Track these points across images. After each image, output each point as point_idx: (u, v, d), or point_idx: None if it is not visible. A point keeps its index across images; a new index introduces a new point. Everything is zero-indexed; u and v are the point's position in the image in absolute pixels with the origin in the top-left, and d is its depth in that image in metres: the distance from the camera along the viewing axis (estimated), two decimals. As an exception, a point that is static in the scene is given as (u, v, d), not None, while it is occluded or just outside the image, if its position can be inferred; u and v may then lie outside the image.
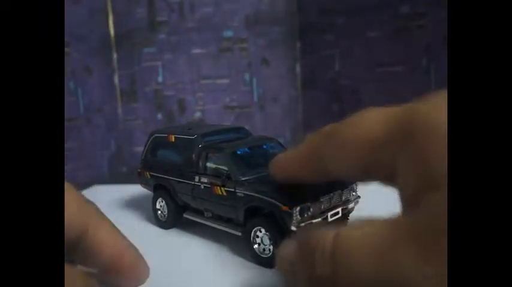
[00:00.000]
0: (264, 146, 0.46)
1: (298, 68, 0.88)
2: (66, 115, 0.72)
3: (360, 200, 0.42)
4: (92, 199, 0.28)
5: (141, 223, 0.51)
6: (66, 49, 0.73)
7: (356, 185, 0.42)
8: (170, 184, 0.48)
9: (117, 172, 0.88)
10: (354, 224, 0.22)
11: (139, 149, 0.89)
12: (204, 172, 0.44)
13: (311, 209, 0.37)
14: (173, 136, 0.49)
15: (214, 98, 0.87)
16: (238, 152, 0.43)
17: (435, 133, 0.19)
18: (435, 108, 0.20)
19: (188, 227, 0.48)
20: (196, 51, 0.86)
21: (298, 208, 0.36)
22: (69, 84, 0.73)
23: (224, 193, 0.41)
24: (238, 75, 0.86)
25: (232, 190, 0.40)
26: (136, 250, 0.29)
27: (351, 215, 0.42)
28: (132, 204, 0.60)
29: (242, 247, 0.40)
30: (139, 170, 0.53)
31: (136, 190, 0.65)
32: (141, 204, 0.58)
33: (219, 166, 0.42)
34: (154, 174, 0.50)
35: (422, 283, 0.16)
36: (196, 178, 0.44)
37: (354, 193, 0.42)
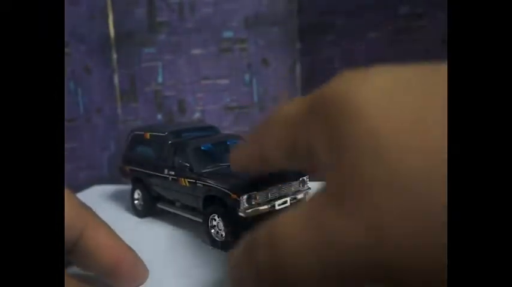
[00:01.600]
0: (228, 142, 0.51)
1: (298, 68, 0.88)
2: (66, 115, 0.72)
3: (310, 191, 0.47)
4: (92, 199, 0.28)
5: (119, 214, 0.57)
6: (66, 49, 0.73)
7: (307, 178, 0.47)
8: (145, 177, 0.54)
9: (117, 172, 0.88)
10: (285, 213, 0.22)
11: (139, 149, 0.90)
12: (172, 165, 0.49)
13: (257, 197, 0.42)
14: (148, 133, 0.54)
15: (214, 98, 0.87)
16: (202, 148, 0.48)
17: (341, 103, 0.19)
18: (345, 82, 0.20)
19: (161, 215, 0.54)
20: (196, 51, 0.86)
21: (245, 196, 0.41)
22: (69, 85, 0.73)
23: (187, 184, 0.47)
24: (238, 75, 0.86)
25: (194, 181, 0.46)
26: (134, 252, 0.29)
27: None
28: (111, 199, 0.64)
29: (203, 232, 0.45)
30: (120, 165, 0.59)
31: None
32: (118, 198, 0.63)
33: (184, 160, 0.47)
34: (133, 168, 0.56)
35: (349, 238, 0.17)
36: (166, 171, 0.50)
37: (305, 185, 0.47)
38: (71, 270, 0.29)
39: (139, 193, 0.55)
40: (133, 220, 0.54)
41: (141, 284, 0.29)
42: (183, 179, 0.47)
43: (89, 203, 0.28)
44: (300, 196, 0.46)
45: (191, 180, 0.46)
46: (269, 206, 0.42)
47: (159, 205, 0.53)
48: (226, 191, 0.42)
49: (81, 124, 0.78)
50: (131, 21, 0.85)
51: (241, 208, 0.41)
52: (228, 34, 0.85)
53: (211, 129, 0.55)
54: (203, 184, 0.45)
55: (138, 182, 0.55)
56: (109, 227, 0.28)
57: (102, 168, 0.84)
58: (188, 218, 0.48)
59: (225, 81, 0.87)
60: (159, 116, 0.88)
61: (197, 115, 0.87)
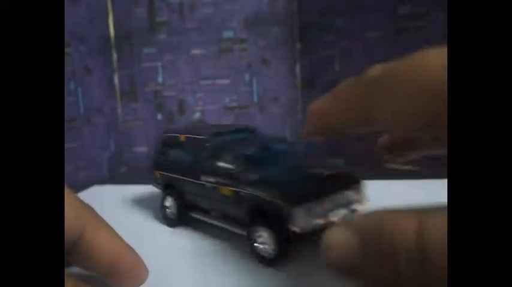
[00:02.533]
0: (275, 147, 0.45)
1: (298, 68, 0.88)
2: (66, 115, 0.72)
3: (367, 201, 0.41)
4: (92, 199, 0.28)
5: (147, 222, 0.52)
6: (66, 49, 0.73)
7: (363, 185, 0.41)
8: (179, 183, 0.48)
9: (117, 172, 0.88)
10: (431, 210, 0.18)
11: (139, 149, 0.90)
12: (212, 172, 0.44)
13: (313, 209, 0.37)
14: (184, 136, 0.49)
15: (214, 98, 0.87)
16: (247, 153, 0.43)
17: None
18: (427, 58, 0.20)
19: (195, 225, 0.48)
20: (196, 51, 0.86)
21: (300, 208, 0.36)
22: (69, 85, 0.73)
23: (229, 193, 0.41)
24: (238, 75, 0.86)
25: (238, 189, 0.40)
26: (134, 252, 0.29)
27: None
28: (136, 203, 0.60)
29: (246, 246, 0.40)
30: (151, 171, 0.54)
31: (137, 190, 0.65)
32: (144, 203, 0.59)
33: (226, 166, 0.42)
34: (164, 173, 0.51)
35: None
36: (203, 177, 0.45)
37: (360, 194, 0.41)
38: (70, 270, 0.29)
39: (171, 200, 0.49)
40: (164, 230, 0.49)
41: (140, 285, 0.29)
42: (224, 188, 0.42)
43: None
44: (358, 207, 0.40)
45: (234, 189, 0.41)
46: (325, 219, 0.37)
47: (193, 214, 0.48)
48: (277, 201, 0.37)
49: (81, 124, 0.78)
50: (131, 21, 0.85)
51: (295, 221, 0.35)
52: (228, 34, 0.85)
53: (251, 131, 0.51)
54: (248, 193, 0.39)
55: (169, 188, 0.50)
56: (109, 227, 0.28)
57: (102, 168, 0.84)
58: (228, 230, 0.43)
59: (225, 81, 0.87)
60: (159, 116, 0.88)
61: (197, 115, 0.87)
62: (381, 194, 0.41)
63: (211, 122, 0.86)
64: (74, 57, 0.76)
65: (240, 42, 0.85)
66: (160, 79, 0.87)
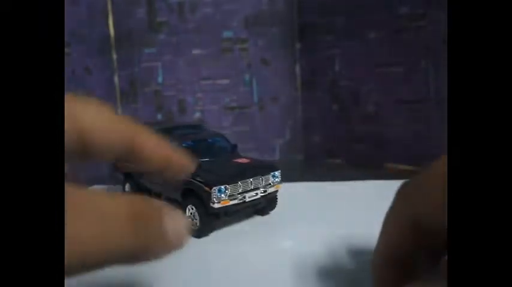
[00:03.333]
0: (210, 140, 0.55)
1: (298, 69, 0.88)
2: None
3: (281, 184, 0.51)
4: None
5: None
6: (66, 49, 0.73)
7: (279, 172, 0.50)
8: (136, 172, 0.58)
9: (114, 172, 0.88)
10: None
11: (139, 149, 0.90)
12: None
13: (228, 190, 0.45)
14: None
15: (214, 98, 0.87)
16: (183, 144, 0.51)
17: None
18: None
19: None
20: (196, 51, 0.86)
21: (216, 188, 0.45)
22: (69, 85, 0.73)
23: None
24: (238, 75, 0.86)
25: None
26: (180, 151, 0.31)
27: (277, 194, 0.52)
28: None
29: None
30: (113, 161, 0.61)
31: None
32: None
33: None
34: (125, 164, 0.58)
35: None
36: None
37: (275, 179, 0.50)
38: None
39: (129, 186, 0.59)
40: None
41: (188, 173, 0.32)
42: None
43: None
44: (270, 190, 0.49)
45: None
46: (239, 198, 0.46)
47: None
48: (201, 184, 0.45)
49: (81, 124, 0.77)
50: (131, 22, 0.85)
51: (213, 199, 0.45)
52: (228, 34, 0.85)
53: (198, 127, 0.60)
54: (185, 179, 0.46)
55: (129, 177, 0.59)
56: (155, 134, 0.30)
57: (101, 168, 0.84)
58: None
59: (225, 82, 0.87)
60: (159, 116, 0.88)
61: (197, 115, 0.87)
62: (381, 194, 0.41)
63: (211, 122, 0.86)
64: (73, 57, 0.76)
65: (240, 42, 0.85)
66: (160, 79, 0.87)
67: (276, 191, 0.51)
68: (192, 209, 0.47)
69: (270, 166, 0.51)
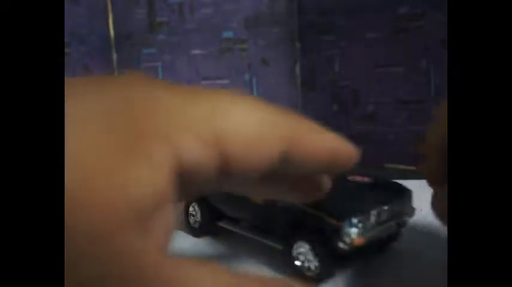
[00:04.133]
0: None
1: (298, 69, 0.88)
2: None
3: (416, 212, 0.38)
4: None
5: None
6: (66, 49, 0.73)
7: (411, 196, 0.38)
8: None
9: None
10: None
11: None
12: None
13: (361, 223, 0.33)
14: None
15: (214, 98, 0.87)
16: None
17: None
18: None
19: (223, 235, 0.44)
20: (196, 52, 0.86)
21: (347, 222, 0.32)
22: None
23: (261, 202, 0.38)
24: (238, 75, 0.86)
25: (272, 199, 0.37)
26: (342, 139, 0.26)
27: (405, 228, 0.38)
28: None
29: (281, 263, 0.37)
30: None
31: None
32: None
33: None
34: None
35: None
36: None
37: (408, 205, 0.38)
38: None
39: (197, 207, 0.45)
40: (189, 239, 0.45)
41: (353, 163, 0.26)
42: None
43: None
44: (408, 219, 0.37)
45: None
46: (375, 233, 0.34)
47: (221, 224, 0.43)
48: (321, 214, 0.33)
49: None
50: (131, 22, 0.85)
51: (343, 237, 0.32)
52: (228, 34, 0.85)
53: None
54: (284, 203, 0.35)
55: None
56: (314, 124, 0.24)
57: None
58: (262, 242, 0.38)
59: (225, 82, 0.87)
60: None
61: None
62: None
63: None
64: (74, 57, 0.76)
65: (240, 42, 0.85)
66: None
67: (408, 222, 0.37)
68: (304, 248, 0.34)
69: (401, 187, 0.38)
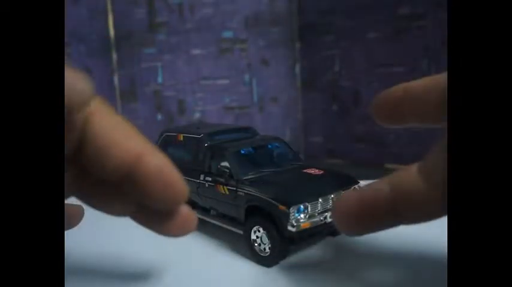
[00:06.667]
0: (269, 146, 0.46)
1: (298, 69, 0.88)
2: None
3: None
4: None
5: None
6: (66, 49, 0.73)
7: (358, 186, 0.41)
8: None
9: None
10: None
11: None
12: (209, 171, 0.44)
13: (309, 209, 0.37)
14: (181, 135, 0.49)
15: (214, 98, 0.87)
16: (242, 152, 0.44)
17: None
18: None
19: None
20: (196, 52, 0.86)
21: (295, 208, 0.36)
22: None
23: (227, 192, 0.42)
24: (238, 75, 0.86)
25: (234, 188, 0.41)
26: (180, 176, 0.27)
27: None
28: None
29: (243, 245, 0.40)
30: None
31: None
32: None
33: (223, 165, 0.43)
34: None
35: None
36: (202, 176, 0.45)
37: None
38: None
39: None
40: None
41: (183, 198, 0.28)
42: (221, 186, 0.42)
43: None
44: None
45: (231, 187, 0.41)
46: (320, 219, 0.37)
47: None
48: (273, 201, 0.37)
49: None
50: (131, 22, 0.85)
51: (291, 221, 0.36)
52: (227, 34, 0.85)
53: (248, 130, 0.51)
54: (245, 193, 0.40)
55: None
56: (160, 153, 0.27)
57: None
58: (226, 228, 0.43)
59: (224, 82, 0.87)
60: (159, 116, 0.88)
61: (197, 115, 0.87)
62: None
63: (211, 122, 0.86)
64: (74, 57, 0.76)
65: (240, 42, 0.85)
66: (160, 79, 0.87)
67: None
68: (259, 231, 0.39)
69: (350, 178, 0.42)
